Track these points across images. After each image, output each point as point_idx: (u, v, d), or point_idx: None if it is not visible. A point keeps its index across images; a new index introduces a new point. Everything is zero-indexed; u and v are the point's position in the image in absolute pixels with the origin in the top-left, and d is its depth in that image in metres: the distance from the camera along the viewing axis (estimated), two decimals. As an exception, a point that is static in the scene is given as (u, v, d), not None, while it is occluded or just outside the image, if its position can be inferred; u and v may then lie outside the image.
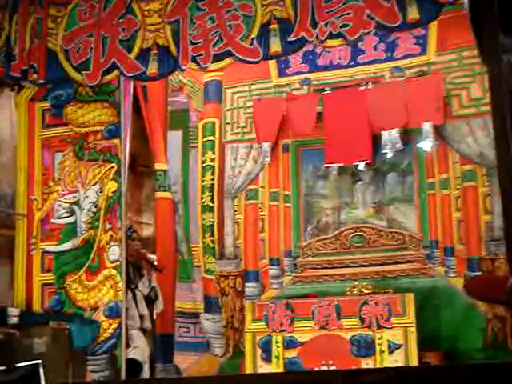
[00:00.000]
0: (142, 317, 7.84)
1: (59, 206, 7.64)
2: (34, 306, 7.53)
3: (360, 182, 9.77)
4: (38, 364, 6.37)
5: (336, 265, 9.63)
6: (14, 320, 7.07)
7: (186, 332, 9.58)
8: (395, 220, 9.60)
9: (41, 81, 7.50)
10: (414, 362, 7.65)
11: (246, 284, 9.74)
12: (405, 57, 9.26)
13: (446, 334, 8.62)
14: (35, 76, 7.50)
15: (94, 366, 7.27)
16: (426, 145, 9.08)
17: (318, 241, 9.81)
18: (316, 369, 7.78)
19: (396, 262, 9.37)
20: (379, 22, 6.55)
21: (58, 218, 7.63)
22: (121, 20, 7.27)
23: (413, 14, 6.45)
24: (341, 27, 6.61)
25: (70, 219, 7.58)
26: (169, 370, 8.71)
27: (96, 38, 7.28)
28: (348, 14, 6.61)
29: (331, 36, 6.69)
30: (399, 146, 9.17)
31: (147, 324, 7.94)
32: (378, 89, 9.27)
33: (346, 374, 3.32)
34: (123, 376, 7.13)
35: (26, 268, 7.62)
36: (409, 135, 9.33)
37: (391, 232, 9.54)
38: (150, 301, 8.22)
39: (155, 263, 8.42)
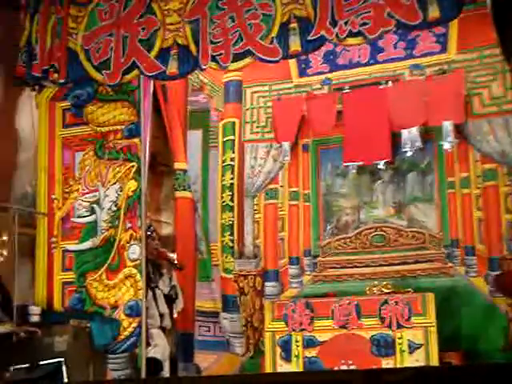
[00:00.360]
0: (162, 315, 7.84)
1: (79, 204, 7.67)
2: (54, 304, 7.56)
3: (380, 181, 9.73)
4: (60, 362, 6.39)
5: (356, 264, 9.60)
6: (36, 318, 7.11)
7: (206, 331, 9.59)
8: (415, 219, 9.56)
9: (61, 80, 7.56)
10: (434, 361, 7.60)
11: (266, 283, 9.73)
12: (425, 55, 9.21)
13: (467, 334, 8.57)
14: (56, 76, 7.55)
15: (115, 365, 7.30)
16: (447, 143, 9.03)
17: (337, 240, 9.78)
18: (336, 368, 7.76)
19: (416, 262, 9.33)
20: (399, 21, 6.54)
21: (79, 216, 7.66)
22: (141, 19, 7.30)
23: (434, 12, 6.43)
24: (360, 26, 6.61)
25: (91, 218, 7.61)
26: (189, 369, 8.72)
27: (116, 38, 7.32)
28: (368, 12, 6.60)
29: (351, 34, 6.69)
30: (419, 144, 9.12)
31: (167, 323, 7.95)
32: (397, 87, 9.23)
33: (366, 374, 3.30)
34: (143, 375, 7.14)
35: (47, 266, 7.66)
36: (429, 134, 9.28)
37: (411, 231, 9.50)
38: (170, 299, 8.22)
39: (175, 261, 8.42)
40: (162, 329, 7.85)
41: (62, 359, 6.45)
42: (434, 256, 9.31)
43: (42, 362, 6.38)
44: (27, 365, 6.32)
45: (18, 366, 6.32)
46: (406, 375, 3.41)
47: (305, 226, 9.98)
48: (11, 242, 7.12)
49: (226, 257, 9.74)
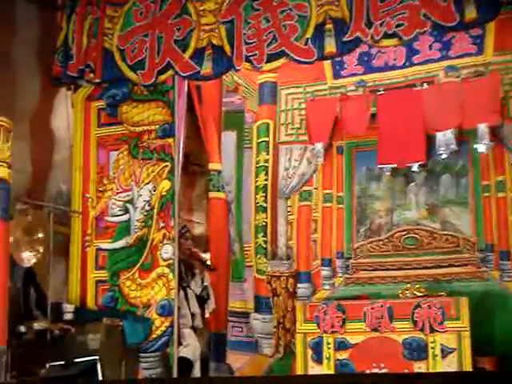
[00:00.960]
0: (193, 315, 7.87)
1: (113, 204, 7.70)
2: (88, 302, 7.61)
3: (413, 184, 9.69)
4: (95, 360, 6.42)
5: (388, 267, 9.56)
6: (69, 316, 7.15)
7: (238, 332, 9.61)
8: (449, 222, 9.50)
9: (97, 80, 7.62)
10: (467, 367, 7.51)
11: (298, 284, 9.72)
12: (460, 56, 9.12)
13: (501, 339, 8.47)
14: (91, 75, 7.61)
15: (146, 364, 7.32)
16: (482, 146, 8.94)
17: (370, 242, 9.75)
18: (367, 371, 7.71)
19: (450, 265, 9.27)
20: (435, 22, 6.49)
21: (112, 215, 7.69)
22: (176, 20, 7.33)
23: (470, 13, 6.38)
24: (396, 27, 6.58)
25: (124, 217, 7.64)
26: (221, 369, 8.73)
27: (151, 38, 7.35)
28: (403, 13, 6.56)
29: (386, 36, 6.66)
30: (454, 147, 9.06)
31: (198, 322, 7.97)
32: (432, 89, 9.17)
33: (399, 378, 3.26)
34: (175, 374, 7.16)
35: (81, 265, 7.71)
36: (464, 136, 9.20)
37: (445, 234, 9.44)
38: (202, 300, 8.24)
39: (208, 262, 8.44)
40: (193, 329, 7.88)
41: (97, 357, 6.48)
42: (468, 260, 9.25)
43: (77, 360, 6.41)
44: (63, 362, 6.36)
45: (54, 363, 6.36)
46: (438, 381, 3.37)
47: (338, 228, 9.96)
48: (46, 241, 7.16)
49: (260, 258, 9.74)
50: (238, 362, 9.19)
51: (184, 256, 8.06)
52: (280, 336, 9.49)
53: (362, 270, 9.68)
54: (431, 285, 8.90)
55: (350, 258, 9.80)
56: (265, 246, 9.74)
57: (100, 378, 6.30)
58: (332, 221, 9.99)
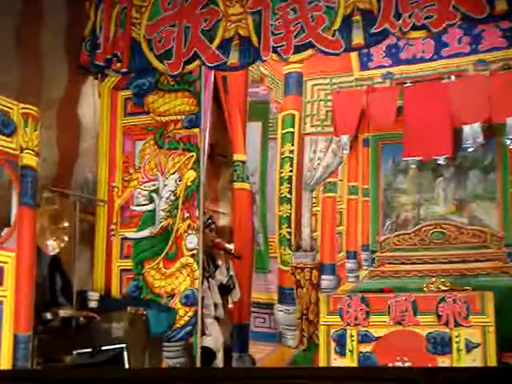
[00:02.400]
0: (215, 305, 7.88)
1: (139, 193, 7.72)
2: (112, 291, 7.64)
3: (441, 178, 9.63)
4: (122, 348, 6.45)
5: (414, 261, 9.54)
6: (94, 304, 7.19)
7: (261, 322, 9.62)
8: (476, 217, 9.44)
9: (124, 69, 7.63)
10: (492, 362, 7.48)
11: (322, 276, 9.72)
12: (490, 50, 9.02)
13: (526, 335, 8.42)
14: (119, 65, 7.63)
15: (170, 353, 7.35)
16: (510, 141, 8.87)
17: (396, 236, 9.72)
18: (391, 365, 7.69)
19: (476, 260, 9.22)
20: (465, 14, 6.42)
21: (138, 205, 7.72)
22: (203, 10, 7.31)
23: (501, 4, 6.30)
24: (425, 19, 6.51)
25: (149, 207, 7.66)
26: (244, 360, 8.75)
27: (178, 28, 7.35)
28: (433, 5, 6.50)
29: (415, 28, 6.60)
30: (480, 140, 8.98)
31: (220, 313, 7.99)
32: (460, 82, 9.09)
33: (428, 372, 3.22)
34: (198, 363, 7.18)
35: (106, 254, 7.74)
36: (493, 130, 9.12)
37: (472, 229, 9.39)
38: (226, 290, 8.26)
39: (232, 251, 8.46)
40: (216, 319, 7.90)
41: (124, 345, 6.51)
42: (495, 255, 9.19)
43: (104, 348, 6.45)
44: (89, 350, 6.40)
45: (81, 351, 6.40)
46: (464, 376, 3.33)
47: (363, 221, 9.94)
48: (72, 229, 7.21)
49: (284, 249, 9.74)
50: (260, 353, 9.21)
51: (208, 247, 8.08)
52: (303, 328, 9.50)
53: (388, 263, 9.66)
54: (457, 279, 8.86)
55: (375, 251, 9.77)
56: (289, 237, 9.73)
57: (126, 366, 6.33)
58: (357, 213, 9.96)
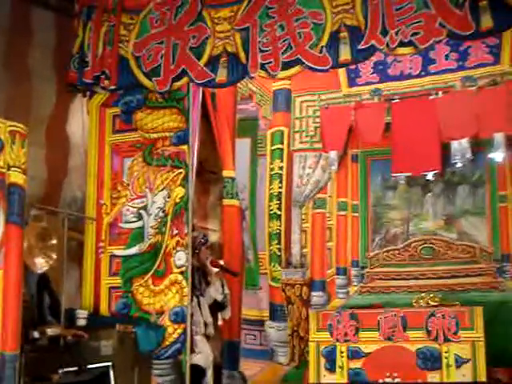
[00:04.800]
0: (205, 323, 7.85)
1: (127, 210, 7.69)
2: (101, 308, 7.60)
3: (430, 194, 9.69)
4: (108, 366, 6.42)
5: (404, 276, 9.56)
6: (82, 322, 7.14)
7: (252, 339, 9.59)
8: (466, 233, 9.50)
9: (112, 87, 7.62)
10: (482, 377, 7.48)
11: (312, 293, 9.73)
12: (477, 66, 9.10)
13: (516, 350, 8.43)
14: (107, 82, 7.63)
15: (159, 371, 7.30)
16: (498, 156, 8.91)
17: (386, 251, 9.75)
18: (380, 381, 7.68)
19: (466, 275, 9.27)
20: (451, 31, 6.44)
21: (126, 222, 7.68)
22: (191, 27, 7.33)
23: (486, 22, 6.32)
24: (411, 35, 6.53)
25: (138, 224, 7.63)
26: (234, 377, 8.71)
27: (167, 45, 7.36)
28: (419, 22, 6.52)
29: (402, 44, 6.61)
30: (469, 156, 9.03)
31: (211, 330, 7.96)
32: (448, 98, 9.15)
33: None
34: (187, 381, 7.15)
35: (95, 271, 7.70)
36: (481, 146, 9.17)
37: (461, 245, 9.43)
38: (216, 307, 8.24)
39: (229, 268, 8.45)
40: (206, 336, 7.87)
41: (110, 363, 6.48)
42: (484, 270, 9.24)
43: (90, 366, 6.42)
44: (76, 368, 6.36)
45: (67, 369, 6.36)
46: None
47: (353, 237, 9.97)
48: (60, 246, 7.18)
49: (274, 265, 9.74)
50: (251, 370, 9.17)
51: (202, 264, 8.06)
52: (294, 344, 9.48)
53: (378, 279, 9.68)
54: (447, 295, 8.87)
55: (365, 267, 9.80)
56: (279, 253, 9.74)
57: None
58: (347, 229, 10.00)
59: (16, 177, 5.96)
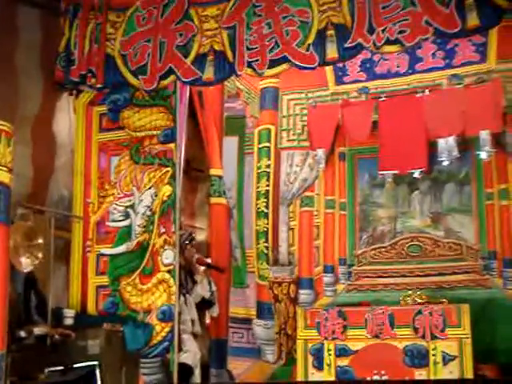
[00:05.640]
0: (192, 321, 7.85)
1: (114, 209, 7.67)
2: (88, 307, 7.58)
3: (417, 192, 9.71)
4: (94, 365, 6.41)
5: (391, 274, 9.59)
6: (69, 321, 7.13)
7: (240, 338, 9.59)
8: (452, 230, 9.53)
9: (99, 85, 7.60)
10: (468, 374, 7.50)
11: (300, 291, 9.74)
12: (464, 64, 9.15)
13: (503, 347, 8.46)
14: (93, 80, 7.60)
15: (147, 369, 7.29)
16: (484, 153, 8.95)
17: (373, 249, 9.77)
18: (368, 378, 7.70)
19: (453, 273, 9.30)
20: (437, 29, 6.45)
21: (114, 221, 7.66)
22: (178, 25, 7.31)
23: (472, 20, 6.33)
24: (398, 33, 6.54)
25: (125, 222, 7.61)
26: (222, 375, 8.70)
27: (153, 43, 7.34)
28: (406, 20, 6.53)
29: (388, 42, 6.62)
30: (456, 154, 9.07)
31: (197, 329, 7.96)
32: (434, 96, 9.18)
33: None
34: (175, 380, 7.14)
35: (82, 270, 7.68)
36: (467, 144, 9.20)
37: (448, 242, 9.46)
38: (204, 305, 8.24)
39: (214, 265, 8.45)
40: (193, 335, 7.87)
41: (96, 362, 6.47)
42: (471, 267, 9.27)
43: (76, 365, 6.40)
44: (62, 367, 6.34)
45: (53, 369, 6.34)
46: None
47: (340, 235, 9.98)
48: (47, 245, 7.15)
49: (261, 264, 9.74)
50: (239, 368, 9.17)
51: (188, 262, 8.06)
52: (282, 342, 9.48)
53: (365, 276, 9.69)
54: (434, 292, 8.90)
55: (352, 265, 9.81)
56: (266, 251, 9.74)
57: (99, 383, 6.28)
58: (334, 227, 10.00)
59: (1, 175, 5.93)
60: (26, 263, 6.83)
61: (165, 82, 7.39)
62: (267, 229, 9.78)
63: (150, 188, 7.56)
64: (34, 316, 6.88)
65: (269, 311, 9.65)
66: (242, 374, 9.12)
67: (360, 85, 9.66)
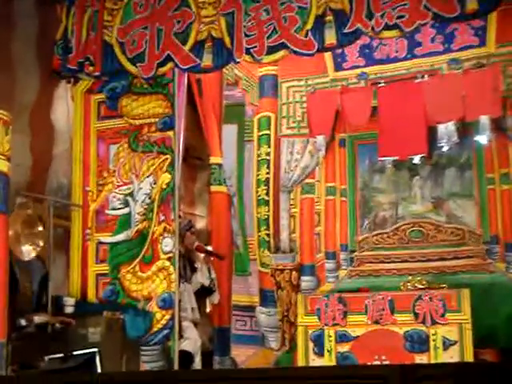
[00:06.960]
0: (192, 309, 7.87)
1: (114, 197, 7.67)
2: (88, 295, 7.59)
3: (418, 177, 9.69)
4: (94, 353, 6.43)
5: (393, 259, 9.58)
6: (70, 309, 7.15)
7: (243, 325, 9.60)
8: (454, 215, 9.51)
9: (97, 73, 7.58)
10: (469, 358, 7.50)
11: (302, 278, 9.73)
12: (463, 49, 9.10)
13: (504, 331, 8.46)
14: (91, 68, 7.58)
15: (147, 357, 7.30)
16: (483, 138, 8.93)
17: (375, 235, 9.77)
18: (369, 364, 7.70)
19: (455, 258, 9.30)
20: (436, 13, 6.42)
21: (113, 209, 7.66)
22: (176, 12, 7.28)
23: (471, 4, 6.30)
24: (397, 18, 6.51)
25: (125, 210, 7.61)
26: (225, 363, 8.72)
27: (151, 31, 7.31)
28: (404, 4, 6.49)
29: (387, 27, 6.59)
30: (455, 139, 9.05)
31: (196, 316, 7.97)
32: (434, 81, 9.14)
33: (402, 369, 3.22)
34: (176, 367, 7.15)
35: (82, 258, 7.69)
36: (467, 129, 9.18)
37: (450, 227, 9.45)
38: (205, 293, 8.25)
39: (214, 252, 8.45)
40: (193, 322, 7.88)
41: (96, 349, 6.49)
42: (473, 252, 9.26)
43: (76, 352, 6.42)
44: (62, 355, 6.36)
45: (53, 356, 6.37)
46: (439, 372, 3.33)
47: (341, 221, 9.97)
48: (47, 234, 7.16)
49: (263, 251, 9.74)
50: (242, 355, 9.18)
51: (187, 250, 8.07)
52: (285, 329, 9.49)
53: (367, 262, 9.69)
54: (436, 277, 8.90)
55: (354, 251, 9.81)
56: (268, 239, 9.73)
57: (99, 370, 6.30)
58: (335, 214, 9.99)
59: (0, 164, 5.95)
60: (27, 251, 6.86)
61: (163, 70, 7.36)
62: (268, 216, 9.76)
63: (148, 176, 7.55)
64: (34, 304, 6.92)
65: (271, 298, 9.65)
66: (245, 361, 9.13)
67: (359, 70, 9.61)
